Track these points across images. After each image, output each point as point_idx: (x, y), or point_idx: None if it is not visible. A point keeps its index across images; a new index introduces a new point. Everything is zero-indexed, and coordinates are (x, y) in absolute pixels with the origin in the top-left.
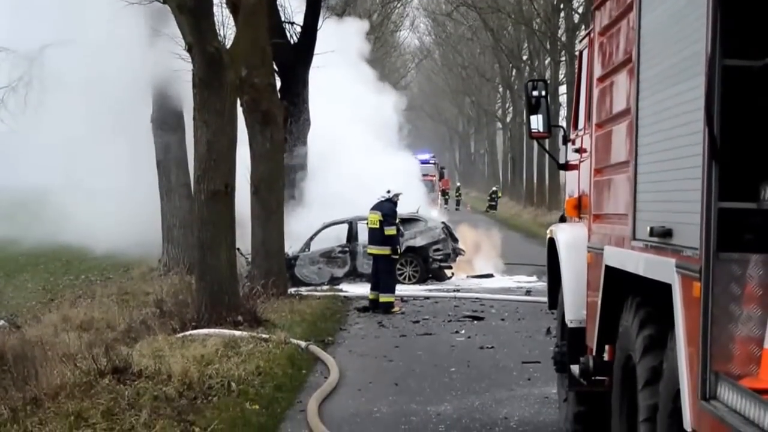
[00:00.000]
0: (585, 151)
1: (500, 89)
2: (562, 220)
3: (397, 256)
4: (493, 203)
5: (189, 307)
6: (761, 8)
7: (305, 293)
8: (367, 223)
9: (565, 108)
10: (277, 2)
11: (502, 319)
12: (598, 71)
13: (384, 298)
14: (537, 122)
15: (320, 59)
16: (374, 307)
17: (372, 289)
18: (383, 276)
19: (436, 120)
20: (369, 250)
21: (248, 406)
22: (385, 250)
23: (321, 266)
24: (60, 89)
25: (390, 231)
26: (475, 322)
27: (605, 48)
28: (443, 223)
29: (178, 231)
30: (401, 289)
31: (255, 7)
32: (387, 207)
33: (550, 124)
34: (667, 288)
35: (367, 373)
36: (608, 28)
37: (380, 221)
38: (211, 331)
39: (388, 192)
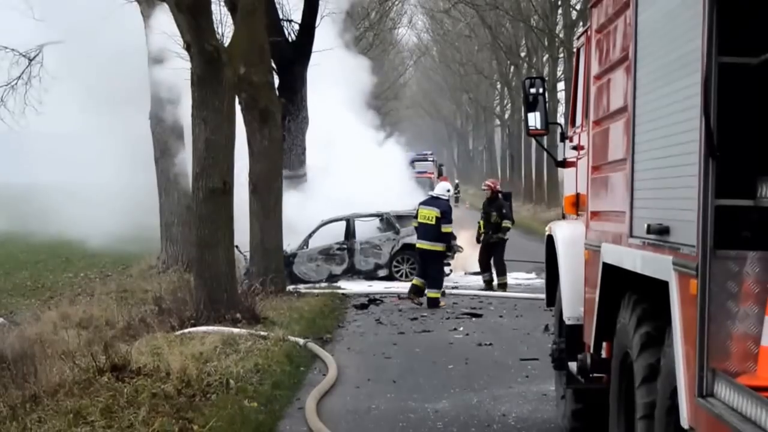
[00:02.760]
0: (582, 148)
1: (498, 86)
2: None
3: (451, 253)
4: None
5: (187, 305)
6: (757, 5)
7: (303, 290)
8: (417, 218)
9: (563, 105)
10: (276, 0)
11: (501, 316)
12: (595, 69)
13: (431, 293)
14: (535, 119)
15: (318, 57)
16: (416, 292)
17: (417, 275)
18: (433, 272)
19: (435, 117)
20: (420, 245)
21: (247, 404)
22: (439, 247)
23: (319, 263)
24: (59, 87)
25: (448, 228)
26: (474, 319)
27: (602, 45)
28: None
29: (177, 228)
30: (398, 286)
31: (253, 6)
32: (444, 204)
33: (548, 122)
34: (664, 285)
35: (366, 371)
36: (605, 25)
37: (437, 218)
38: (210, 328)
39: (448, 191)
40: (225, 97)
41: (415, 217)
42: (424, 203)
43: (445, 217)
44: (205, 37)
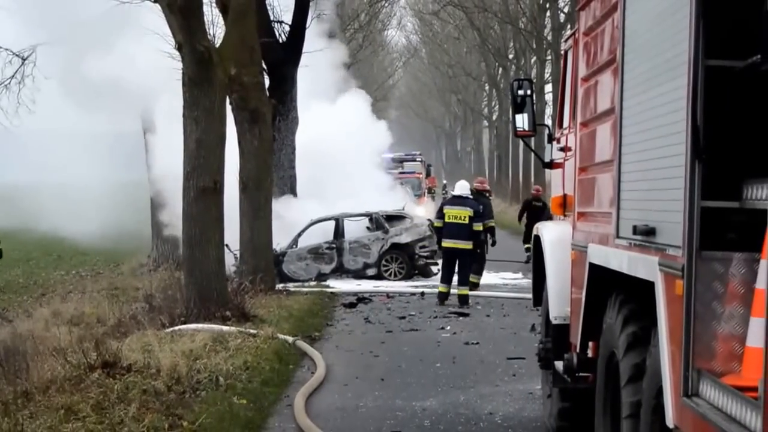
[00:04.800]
0: (569, 149)
1: (486, 88)
2: (544, 215)
3: (478, 251)
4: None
5: (178, 303)
6: (743, 9)
7: (293, 289)
8: (443, 219)
9: (551, 106)
10: (266, 1)
11: (488, 316)
12: (582, 71)
13: (463, 290)
14: (522, 121)
15: (308, 57)
16: (443, 299)
17: (443, 282)
18: (465, 270)
19: (423, 118)
20: (452, 245)
21: (236, 401)
22: (470, 245)
23: (308, 262)
24: (51, 85)
25: (479, 227)
26: (461, 318)
27: (590, 48)
28: (429, 220)
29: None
30: (387, 285)
31: (244, 7)
32: (474, 203)
33: (535, 123)
34: (650, 286)
35: (354, 369)
36: (593, 28)
37: (470, 217)
38: (200, 326)
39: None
40: (216, 98)
41: (440, 218)
42: (451, 204)
43: (477, 216)
44: (196, 37)
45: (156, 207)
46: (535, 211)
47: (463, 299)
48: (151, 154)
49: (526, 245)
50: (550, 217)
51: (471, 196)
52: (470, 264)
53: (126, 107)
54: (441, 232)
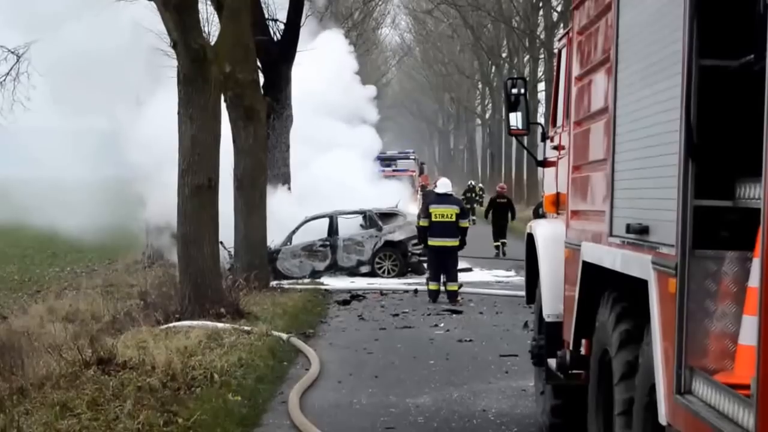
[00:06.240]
0: (563, 148)
1: (480, 86)
2: (536, 214)
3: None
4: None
5: (172, 300)
6: (737, 8)
7: (287, 286)
8: (428, 218)
9: (544, 105)
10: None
11: (481, 313)
12: (576, 70)
13: (452, 286)
14: (516, 119)
15: (303, 56)
16: (435, 297)
17: (432, 280)
18: (453, 267)
19: (417, 116)
20: (441, 243)
21: (230, 398)
22: (457, 242)
23: (302, 260)
24: (44, 81)
25: (465, 223)
26: (454, 315)
27: (584, 47)
28: None
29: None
30: (381, 283)
31: (239, 5)
32: (459, 201)
33: (529, 122)
34: (643, 284)
35: (348, 366)
36: (587, 27)
37: (457, 215)
38: (194, 323)
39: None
40: (211, 95)
41: (426, 217)
42: (436, 203)
43: (464, 213)
44: (191, 35)
45: (146, 203)
46: (500, 207)
47: (453, 295)
48: (135, 150)
49: (495, 242)
50: (513, 211)
51: (454, 194)
52: (457, 261)
53: (113, 102)
54: (427, 231)
